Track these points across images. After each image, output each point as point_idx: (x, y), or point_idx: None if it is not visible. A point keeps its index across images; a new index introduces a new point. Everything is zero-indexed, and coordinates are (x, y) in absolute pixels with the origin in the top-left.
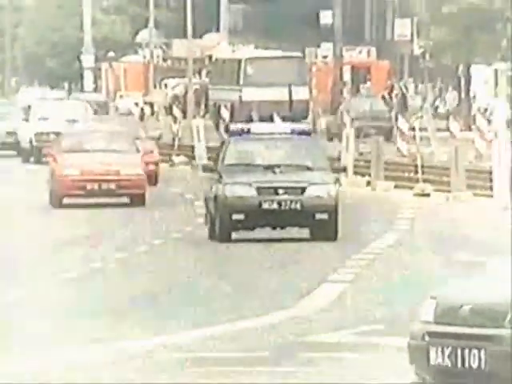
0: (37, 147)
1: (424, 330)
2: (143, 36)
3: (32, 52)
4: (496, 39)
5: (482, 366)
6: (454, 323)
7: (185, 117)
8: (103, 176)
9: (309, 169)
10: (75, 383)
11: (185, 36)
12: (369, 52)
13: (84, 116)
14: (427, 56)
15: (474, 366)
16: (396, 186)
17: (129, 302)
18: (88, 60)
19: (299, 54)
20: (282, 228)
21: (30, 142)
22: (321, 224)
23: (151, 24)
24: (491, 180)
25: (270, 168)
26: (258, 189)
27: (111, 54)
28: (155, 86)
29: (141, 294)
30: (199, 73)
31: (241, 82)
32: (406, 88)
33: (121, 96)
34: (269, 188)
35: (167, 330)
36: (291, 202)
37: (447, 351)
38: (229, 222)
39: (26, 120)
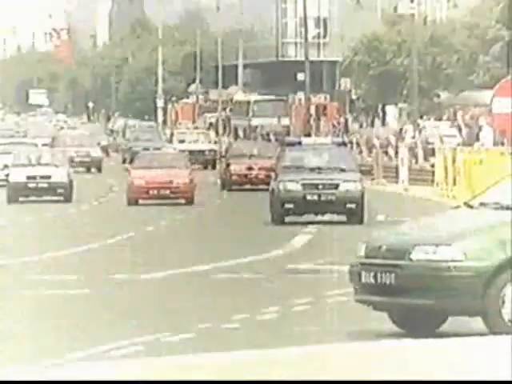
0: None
1: (358, 261)
2: (192, 88)
3: (127, 96)
4: (400, 89)
5: (392, 282)
6: (376, 257)
7: (217, 135)
8: (160, 185)
9: (342, 170)
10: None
11: (217, 87)
12: (325, 97)
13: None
14: (360, 100)
15: (387, 282)
16: None
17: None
18: (160, 102)
19: (284, 98)
20: (322, 214)
21: None
22: (350, 211)
23: (197, 81)
24: (397, 173)
25: (313, 169)
26: (303, 185)
27: (173, 98)
28: (199, 117)
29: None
30: (225, 109)
31: (250, 114)
32: (346, 119)
33: (179, 123)
34: (311, 184)
35: (221, 260)
36: (328, 194)
37: (371, 274)
38: (281, 210)
39: None
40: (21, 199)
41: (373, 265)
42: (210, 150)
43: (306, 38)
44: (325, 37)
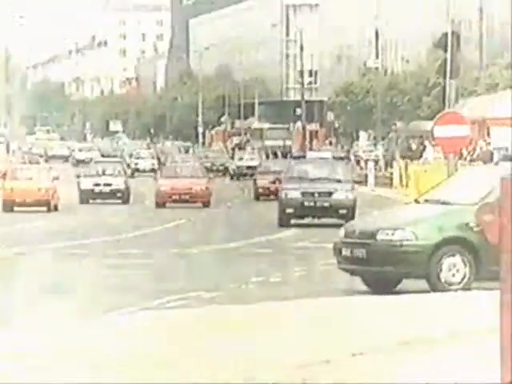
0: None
1: (339, 240)
2: (223, 119)
3: (177, 125)
4: (368, 120)
5: (363, 255)
6: (351, 237)
7: None
8: (181, 191)
9: (338, 181)
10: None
11: (240, 118)
12: (316, 125)
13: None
14: (341, 127)
15: (360, 255)
16: None
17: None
18: (200, 129)
19: (287, 126)
20: (318, 218)
21: None
22: (342, 216)
23: (226, 114)
24: (366, 179)
25: (312, 180)
26: (302, 193)
27: (210, 126)
28: (227, 140)
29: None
30: (246, 134)
31: (263, 137)
32: (331, 141)
33: (214, 144)
34: (308, 193)
35: (232, 240)
36: (323, 201)
37: (349, 249)
38: (284, 214)
39: None
40: (90, 201)
41: (349, 243)
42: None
43: (303, 84)
44: (315, 83)
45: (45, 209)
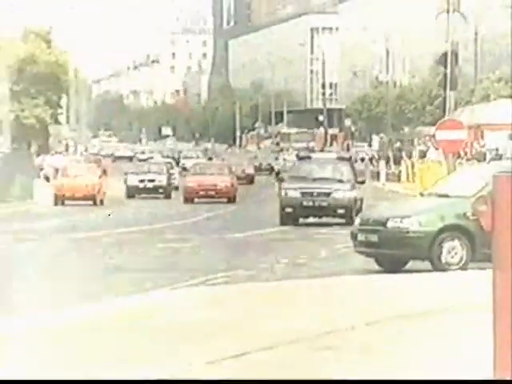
0: None
1: (356, 227)
2: (256, 125)
3: (218, 130)
4: (381, 124)
5: (376, 240)
6: (366, 225)
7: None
8: (207, 187)
9: (339, 181)
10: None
11: (271, 124)
12: (336, 130)
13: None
14: (357, 132)
15: (373, 240)
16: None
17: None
18: (238, 134)
19: (311, 131)
20: (318, 217)
21: None
22: (340, 215)
23: (259, 121)
24: (378, 175)
25: (314, 180)
26: (301, 193)
27: (245, 131)
28: (260, 143)
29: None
30: (276, 137)
31: (291, 140)
32: (348, 143)
33: (249, 146)
34: (307, 192)
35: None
36: (321, 201)
37: (364, 235)
38: (284, 213)
39: None
40: (136, 196)
41: (364, 230)
42: None
43: (324, 95)
44: (335, 94)
45: (91, 202)
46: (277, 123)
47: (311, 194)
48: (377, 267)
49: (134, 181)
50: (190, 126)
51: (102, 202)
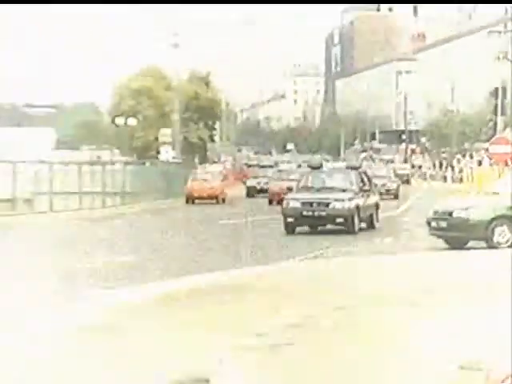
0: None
1: (429, 216)
2: (355, 142)
3: (329, 147)
4: (448, 141)
5: (445, 226)
6: (437, 214)
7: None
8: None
9: (343, 190)
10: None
11: (366, 141)
12: (414, 146)
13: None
14: (430, 147)
15: (442, 226)
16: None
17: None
18: (342, 149)
19: (396, 146)
20: (317, 227)
21: None
22: (341, 224)
23: (358, 139)
24: (445, 178)
25: (319, 189)
26: (302, 203)
27: (347, 146)
28: (359, 154)
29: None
30: (370, 150)
31: (381, 153)
32: (423, 156)
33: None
34: (307, 202)
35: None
36: (320, 211)
37: (435, 222)
38: (286, 223)
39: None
40: (255, 195)
41: (436, 218)
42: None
43: (406, 119)
44: (414, 119)
45: (214, 201)
46: (370, 141)
47: (311, 204)
48: (445, 245)
49: (252, 183)
50: (307, 143)
51: (223, 200)
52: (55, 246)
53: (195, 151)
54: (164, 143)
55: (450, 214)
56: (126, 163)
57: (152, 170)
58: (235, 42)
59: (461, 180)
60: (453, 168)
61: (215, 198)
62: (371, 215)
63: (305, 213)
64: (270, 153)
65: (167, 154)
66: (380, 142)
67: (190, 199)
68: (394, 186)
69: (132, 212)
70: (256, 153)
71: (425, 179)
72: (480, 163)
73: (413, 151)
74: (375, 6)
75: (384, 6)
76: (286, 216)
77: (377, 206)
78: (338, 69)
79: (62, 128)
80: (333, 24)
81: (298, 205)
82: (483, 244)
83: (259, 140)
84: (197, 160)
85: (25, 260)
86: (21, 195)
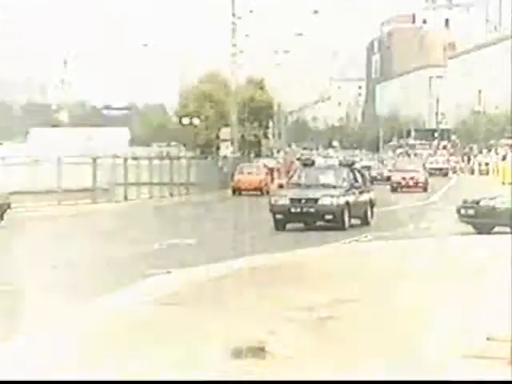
0: None
1: (460, 205)
2: (393, 138)
3: (369, 143)
4: (476, 138)
5: (473, 213)
6: (466, 203)
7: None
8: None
9: (334, 187)
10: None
11: (402, 138)
12: (446, 142)
13: None
14: (460, 143)
15: (471, 213)
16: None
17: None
18: (381, 144)
19: (429, 142)
20: (305, 224)
21: None
22: (329, 220)
23: (395, 136)
24: (473, 171)
25: (309, 186)
26: (290, 199)
27: (385, 142)
28: (395, 150)
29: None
30: (406, 146)
31: (416, 148)
32: (452, 152)
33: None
34: (296, 199)
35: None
36: (308, 207)
37: (465, 210)
38: (275, 220)
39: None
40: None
41: (465, 206)
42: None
43: (437, 119)
44: (445, 119)
45: (259, 193)
46: (407, 138)
47: (299, 201)
48: (473, 230)
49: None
50: (349, 140)
51: (267, 192)
52: (128, 227)
53: (251, 147)
54: (224, 140)
55: (477, 202)
56: (191, 158)
57: (213, 163)
58: (288, 53)
59: (487, 173)
60: (479, 162)
61: (260, 190)
62: (365, 212)
63: (293, 210)
64: (317, 148)
65: (226, 149)
66: (415, 139)
67: (237, 191)
68: (422, 179)
69: (196, 201)
70: (304, 148)
71: (454, 172)
72: (504, 157)
73: (444, 147)
74: (411, 18)
75: (419, 19)
76: (274, 213)
77: (371, 202)
78: (378, 74)
79: (136, 127)
80: (373, 35)
81: (286, 201)
82: (507, 229)
83: (307, 137)
84: (252, 155)
85: (109, 236)
86: (99, 185)
